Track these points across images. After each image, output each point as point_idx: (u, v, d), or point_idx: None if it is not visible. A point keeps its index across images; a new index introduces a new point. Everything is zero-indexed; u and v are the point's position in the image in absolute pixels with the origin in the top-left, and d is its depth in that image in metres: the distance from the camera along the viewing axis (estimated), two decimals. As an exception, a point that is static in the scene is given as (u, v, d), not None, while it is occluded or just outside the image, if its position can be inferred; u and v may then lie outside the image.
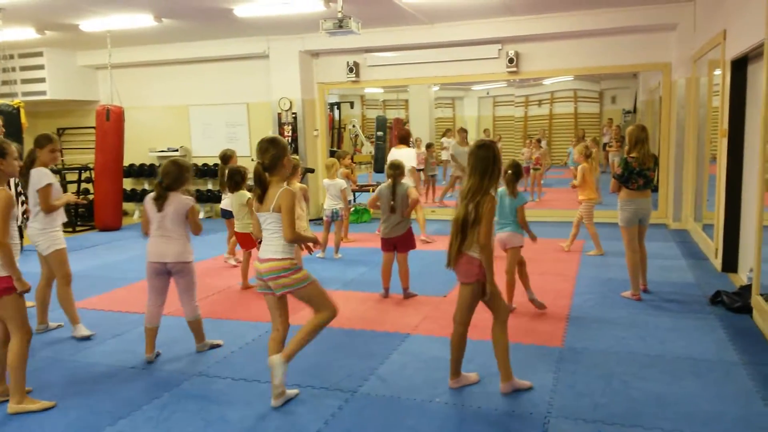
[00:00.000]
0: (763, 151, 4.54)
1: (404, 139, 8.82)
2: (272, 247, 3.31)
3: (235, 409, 3.38)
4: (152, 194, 3.96)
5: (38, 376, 3.84)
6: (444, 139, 13.75)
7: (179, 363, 4.04)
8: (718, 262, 6.11)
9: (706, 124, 7.45)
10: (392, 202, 5.31)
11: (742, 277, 5.59)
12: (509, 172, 4.79)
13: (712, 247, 6.37)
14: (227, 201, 6.54)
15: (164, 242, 3.93)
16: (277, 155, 3.29)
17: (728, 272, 5.91)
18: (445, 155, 13.26)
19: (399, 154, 7.95)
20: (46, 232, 4.38)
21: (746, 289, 4.82)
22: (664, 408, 3.25)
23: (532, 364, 3.83)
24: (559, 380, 3.62)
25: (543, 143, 12.90)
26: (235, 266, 6.74)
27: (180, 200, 3.93)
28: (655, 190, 9.39)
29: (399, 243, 5.37)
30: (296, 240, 3.33)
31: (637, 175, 4.98)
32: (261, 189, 3.30)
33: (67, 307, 4.54)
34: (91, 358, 4.20)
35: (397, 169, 5.42)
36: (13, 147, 3.39)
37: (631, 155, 4.99)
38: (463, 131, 11.61)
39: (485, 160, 3.32)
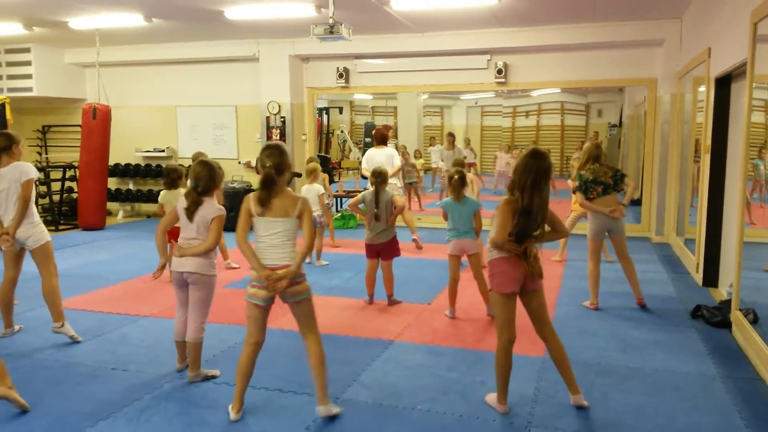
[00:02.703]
0: (744, 168, 4.62)
1: (383, 139, 8.31)
2: (286, 254, 3.20)
3: (216, 412, 3.36)
4: (184, 201, 3.67)
5: (17, 377, 3.79)
6: (431, 148, 13.80)
7: (160, 365, 4.01)
8: (699, 277, 6.19)
9: (689, 139, 7.56)
10: (376, 210, 5.33)
11: (722, 292, 5.66)
12: (455, 177, 4.97)
13: (694, 262, 6.45)
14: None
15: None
16: (285, 162, 3.21)
17: (709, 287, 5.99)
18: (434, 160, 13.28)
19: (380, 153, 7.84)
20: (35, 225, 4.34)
21: (726, 304, 4.88)
22: (643, 419, 3.29)
23: (513, 374, 3.84)
24: (540, 390, 3.64)
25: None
26: (236, 269, 6.74)
27: (209, 208, 3.65)
28: (639, 203, 9.52)
29: (383, 250, 5.39)
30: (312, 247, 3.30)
31: (593, 183, 5.15)
32: (267, 193, 3.18)
33: (55, 301, 4.43)
34: (72, 359, 4.16)
35: (380, 177, 5.42)
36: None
37: (583, 169, 5.26)
38: (451, 136, 11.67)
39: (542, 170, 3.19)
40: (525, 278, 3.25)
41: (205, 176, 3.64)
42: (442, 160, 12.20)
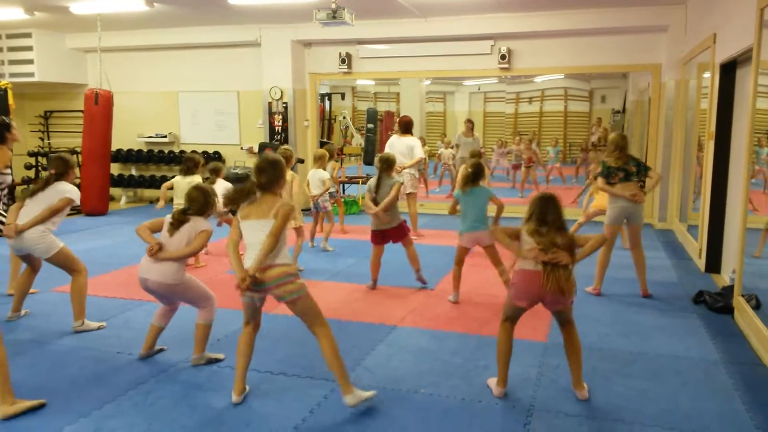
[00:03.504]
0: (748, 154, 4.61)
1: (407, 128, 8.04)
2: (273, 253, 3.16)
3: (221, 396, 3.39)
4: (169, 217, 3.71)
5: (23, 361, 3.82)
6: (440, 143, 13.71)
7: (166, 349, 4.03)
8: (701, 263, 6.20)
9: (693, 126, 7.53)
10: (374, 195, 5.32)
11: (724, 278, 5.67)
12: (469, 170, 4.93)
13: (696, 248, 6.46)
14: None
15: (152, 260, 3.63)
16: (276, 177, 3.24)
17: (711, 273, 6.00)
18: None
19: (400, 142, 7.81)
20: (45, 235, 4.32)
21: (728, 290, 4.90)
22: (645, 404, 3.31)
23: (516, 358, 3.86)
24: (543, 374, 3.66)
25: (534, 145, 12.92)
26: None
27: (197, 222, 3.69)
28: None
29: (392, 235, 5.37)
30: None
31: (616, 169, 5.13)
32: (250, 200, 3.24)
33: (79, 299, 4.42)
34: (77, 343, 4.19)
35: (385, 163, 5.39)
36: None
37: (607, 158, 5.25)
38: (469, 122, 11.54)
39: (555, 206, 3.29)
40: (545, 295, 3.20)
41: (199, 201, 3.70)
42: (455, 146, 11.92)
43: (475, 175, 4.94)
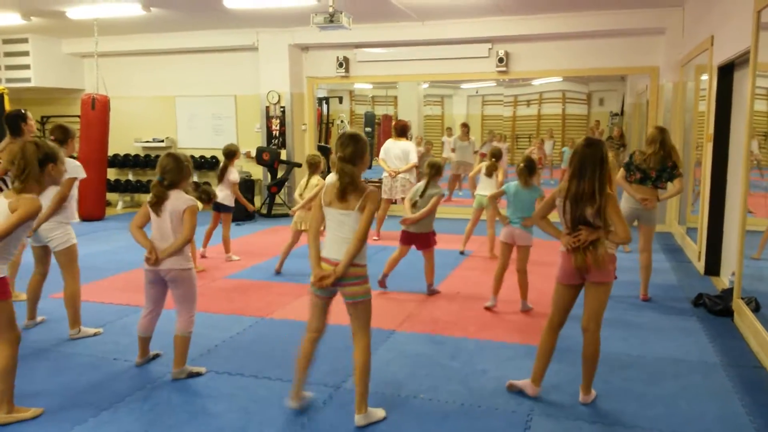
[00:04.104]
0: (747, 156, 4.60)
1: (402, 131, 8.03)
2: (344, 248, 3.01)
3: (219, 402, 3.36)
4: (150, 197, 3.56)
5: (20, 367, 3.79)
6: (445, 138, 13.71)
7: (162, 355, 4.00)
8: (700, 265, 6.19)
9: (692, 128, 7.53)
10: (417, 200, 5.25)
11: (724, 281, 5.66)
12: (521, 165, 4.85)
13: (696, 251, 6.45)
14: (221, 195, 6.53)
15: (160, 247, 3.55)
16: (362, 150, 3.02)
17: (711, 275, 5.99)
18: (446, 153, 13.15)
19: (396, 146, 7.79)
20: (62, 226, 4.22)
21: (728, 293, 4.88)
22: (644, 407, 3.29)
23: (517, 363, 3.86)
24: (544, 380, 3.64)
25: (546, 145, 12.91)
26: (237, 261, 6.75)
27: (178, 199, 3.53)
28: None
29: (418, 241, 5.34)
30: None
31: (635, 168, 5.06)
32: (344, 183, 2.98)
33: (75, 306, 4.35)
34: (74, 349, 4.16)
35: (434, 169, 5.30)
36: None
37: (640, 150, 5.13)
38: (465, 126, 11.53)
39: (594, 158, 3.08)
40: (581, 270, 3.17)
41: (173, 169, 3.53)
42: (453, 150, 11.92)
43: (530, 170, 4.82)
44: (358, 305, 3.09)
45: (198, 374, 3.72)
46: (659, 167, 4.98)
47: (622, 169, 5.20)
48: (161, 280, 3.62)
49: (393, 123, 8.42)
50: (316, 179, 6.00)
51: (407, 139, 8.03)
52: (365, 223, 2.99)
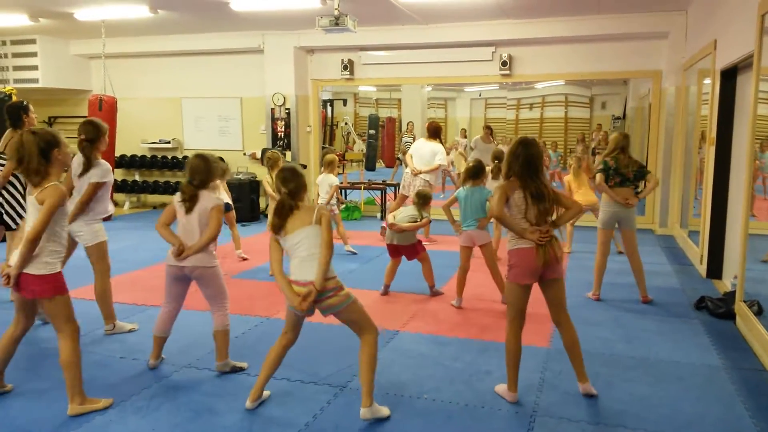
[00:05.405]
0: (749, 160, 4.63)
1: (435, 133, 7.88)
2: (315, 266, 3.08)
3: (224, 401, 3.40)
4: (179, 195, 3.62)
5: (26, 365, 3.84)
6: (458, 138, 13.73)
7: (168, 354, 4.04)
8: (703, 269, 6.21)
9: (694, 132, 7.55)
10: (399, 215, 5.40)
11: (726, 284, 5.68)
12: (470, 166, 5.10)
13: (698, 254, 6.46)
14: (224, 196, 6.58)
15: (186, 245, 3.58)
16: (303, 184, 3.17)
17: (713, 278, 6.00)
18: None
19: (426, 146, 7.77)
20: (88, 224, 4.21)
21: (730, 296, 4.90)
22: (647, 409, 3.32)
23: (520, 364, 3.88)
24: (546, 380, 3.67)
25: (551, 153, 12.95)
26: (245, 259, 6.80)
27: (207, 199, 3.59)
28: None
29: (405, 252, 5.41)
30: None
31: (614, 172, 5.14)
32: (287, 212, 3.12)
33: (106, 302, 4.36)
34: (82, 348, 4.17)
35: (421, 198, 5.45)
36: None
37: (608, 156, 5.23)
38: (488, 128, 11.53)
39: (538, 156, 3.28)
40: (544, 267, 3.26)
41: (203, 170, 3.58)
42: (472, 149, 11.82)
43: (476, 172, 5.05)
44: (342, 313, 3.16)
45: (241, 369, 3.78)
46: (635, 169, 5.15)
47: (600, 174, 5.22)
48: (185, 278, 3.67)
49: (426, 124, 8.38)
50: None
51: (439, 141, 7.97)
52: (326, 232, 3.09)
